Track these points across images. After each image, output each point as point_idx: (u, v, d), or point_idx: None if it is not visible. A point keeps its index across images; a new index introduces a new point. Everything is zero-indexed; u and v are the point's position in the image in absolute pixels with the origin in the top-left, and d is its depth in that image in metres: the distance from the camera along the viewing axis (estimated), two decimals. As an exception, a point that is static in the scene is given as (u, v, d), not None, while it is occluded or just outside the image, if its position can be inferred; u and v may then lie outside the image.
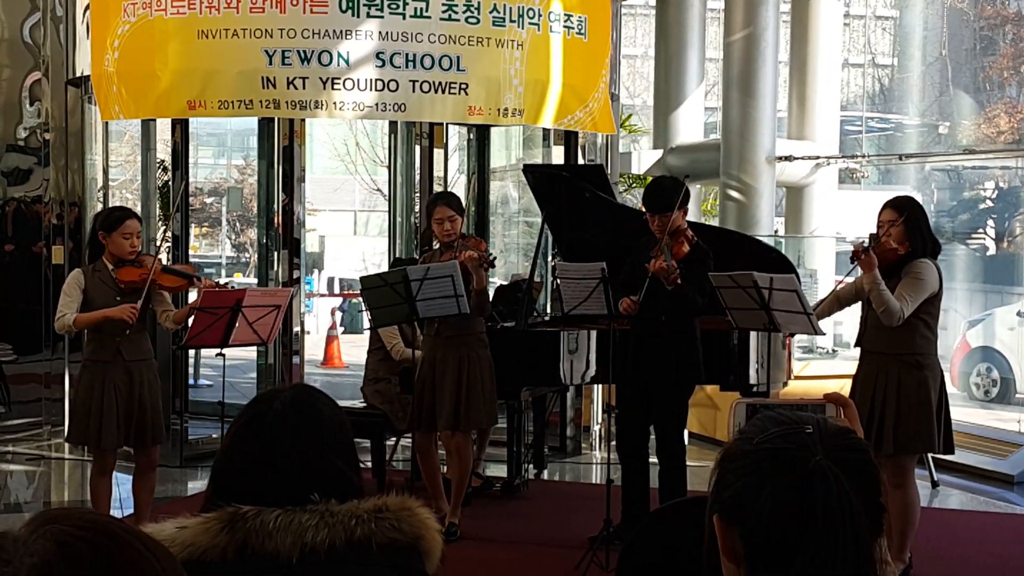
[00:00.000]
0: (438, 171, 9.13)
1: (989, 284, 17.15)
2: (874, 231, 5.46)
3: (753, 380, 6.47)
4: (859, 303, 5.57)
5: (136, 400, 5.52)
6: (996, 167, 21.59)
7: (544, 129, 8.87)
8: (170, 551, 1.01)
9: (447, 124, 8.98)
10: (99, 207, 8.83)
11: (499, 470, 7.63)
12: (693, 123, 13.09)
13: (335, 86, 7.41)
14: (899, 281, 5.32)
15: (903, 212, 5.34)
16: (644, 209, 5.83)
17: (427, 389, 6.05)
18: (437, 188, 8.82)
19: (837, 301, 5.60)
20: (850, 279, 5.52)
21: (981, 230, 22.22)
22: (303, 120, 8.04)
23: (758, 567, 1.36)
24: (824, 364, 9.28)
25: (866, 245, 5.24)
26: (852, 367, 5.75)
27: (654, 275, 5.53)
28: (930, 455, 7.67)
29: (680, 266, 5.55)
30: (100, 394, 5.46)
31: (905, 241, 5.33)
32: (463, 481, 6.26)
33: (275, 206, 8.14)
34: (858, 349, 5.64)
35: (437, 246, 6.37)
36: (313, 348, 14.87)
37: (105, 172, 8.95)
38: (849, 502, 1.34)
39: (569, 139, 8.78)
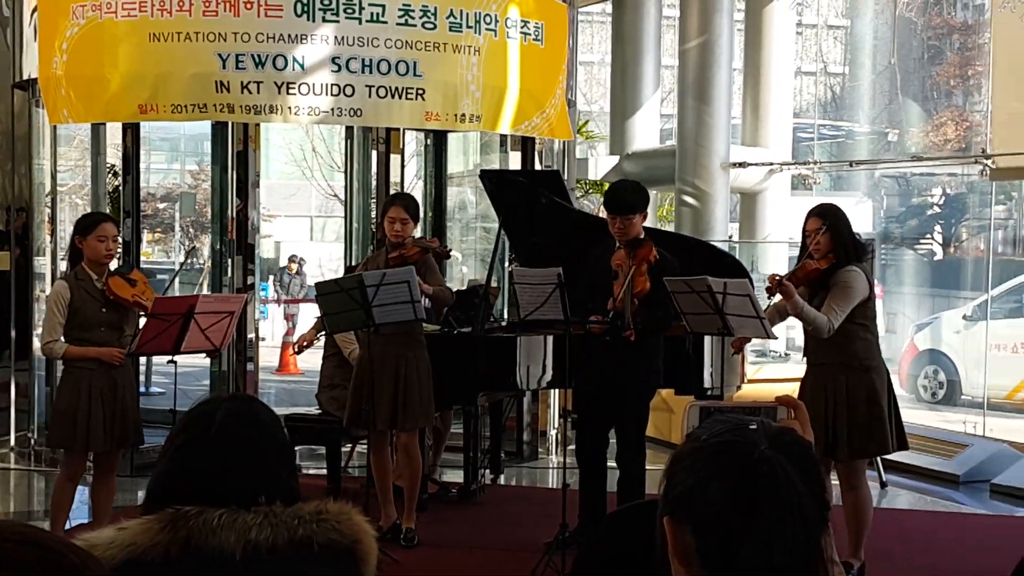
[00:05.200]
0: (395, 177, 9.09)
1: (936, 288, 17.36)
2: (800, 237, 5.55)
3: (708, 384, 6.50)
4: None
5: (120, 403, 5.57)
6: (943, 174, 21.87)
7: (501, 135, 8.85)
8: (101, 561, 1.01)
9: (404, 129, 8.94)
10: (47, 212, 8.71)
11: (456, 475, 7.59)
12: (649, 129, 13.14)
13: (290, 90, 7.36)
14: (828, 292, 5.38)
15: (827, 220, 5.41)
16: (605, 211, 5.84)
17: (365, 387, 6.02)
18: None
19: (776, 313, 5.65)
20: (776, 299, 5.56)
21: (929, 235, 22.50)
22: (258, 125, 7.97)
23: (710, 561, 1.37)
24: (777, 368, 9.34)
25: (780, 277, 5.31)
26: (803, 370, 5.79)
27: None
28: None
29: (641, 307, 5.60)
30: (87, 398, 5.49)
31: (829, 252, 5.39)
32: (415, 481, 6.24)
33: (229, 212, 8.06)
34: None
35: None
36: (268, 355, 14.78)
37: (53, 177, 8.82)
38: (795, 490, 1.36)
39: (526, 145, 8.78)
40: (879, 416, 5.39)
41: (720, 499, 1.36)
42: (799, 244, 5.63)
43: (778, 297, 5.50)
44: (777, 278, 5.32)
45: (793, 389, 6.78)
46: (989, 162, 9.31)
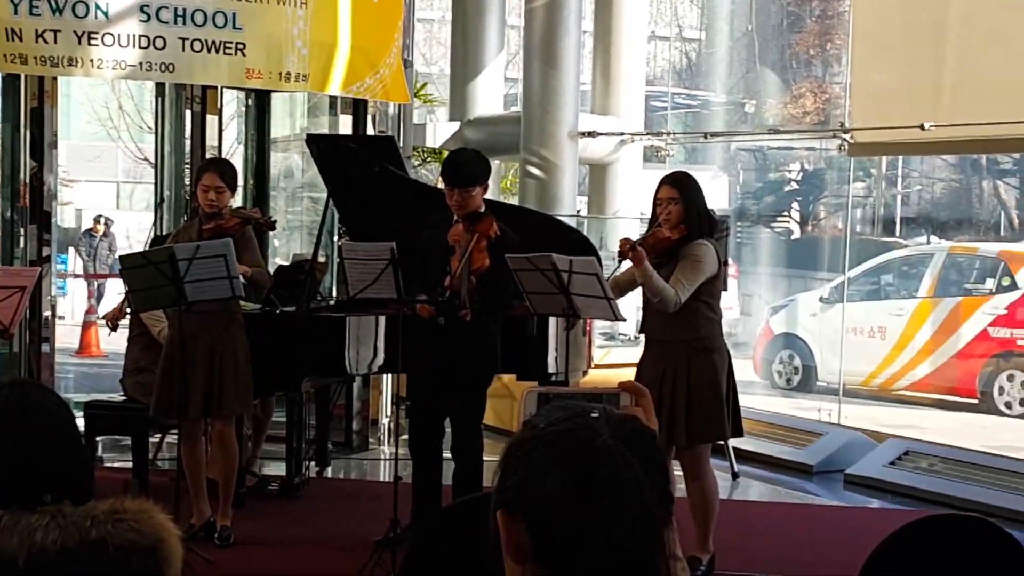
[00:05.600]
0: (212, 139, 8.96)
1: (793, 269, 17.86)
2: (651, 208, 5.64)
3: (552, 369, 6.58)
4: (640, 288, 5.68)
5: None
6: (801, 148, 22.48)
7: (331, 96, 8.78)
8: None
9: (222, 88, 8.79)
10: None
11: (277, 468, 7.54)
12: (493, 94, 13.16)
13: (92, 41, 7.13)
14: (676, 264, 5.49)
15: (681, 190, 5.53)
16: (443, 182, 5.85)
17: (175, 371, 5.91)
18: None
19: (617, 287, 5.74)
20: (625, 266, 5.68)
21: (786, 213, 23.10)
22: (55, 78, 7.74)
23: (545, 557, 1.38)
24: (626, 352, 9.47)
25: (633, 241, 5.39)
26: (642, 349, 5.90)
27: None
28: (731, 445, 7.97)
29: (479, 284, 5.62)
30: None
31: (680, 224, 5.50)
32: (231, 475, 6.17)
33: (22, 175, 7.81)
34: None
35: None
36: (67, 335, 14.34)
37: None
38: (637, 481, 1.39)
39: (358, 108, 8.75)
40: (718, 401, 5.54)
41: (557, 491, 1.38)
42: (650, 217, 5.73)
43: (625, 265, 5.60)
44: (629, 242, 5.38)
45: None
46: (848, 136, 9.62)
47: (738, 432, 5.76)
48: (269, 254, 9.56)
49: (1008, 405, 11.89)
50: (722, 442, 7.24)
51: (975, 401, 12.18)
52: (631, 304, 7.70)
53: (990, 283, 12.62)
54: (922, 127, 8.59)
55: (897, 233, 21.35)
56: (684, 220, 5.51)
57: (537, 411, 1.61)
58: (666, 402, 5.46)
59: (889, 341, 12.66)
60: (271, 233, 7.75)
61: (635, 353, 9.41)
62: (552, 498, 1.38)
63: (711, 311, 5.60)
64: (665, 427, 5.41)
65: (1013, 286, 12.16)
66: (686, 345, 5.53)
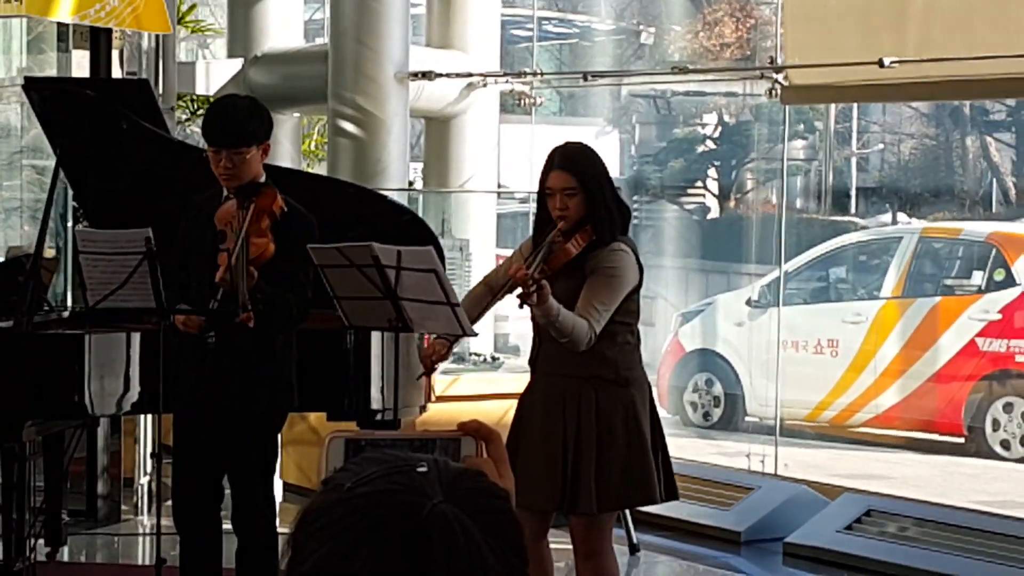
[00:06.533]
0: None
1: (710, 260, 17.94)
2: (541, 200, 5.61)
3: (377, 404, 6.59)
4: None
5: None
6: (719, 93, 22.70)
7: (59, 25, 8.70)
8: None
9: None
10: None
11: (-11, 551, 7.43)
12: (289, 20, 13.11)
13: None
14: (580, 280, 5.46)
15: (582, 177, 5.50)
16: (206, 143, 5.85)
17: None
18: None
19: (490, 292, 5.72)
20: (507, 252, 5.67)
21: (700, 183, 23.29)
22: None
23: None
24: (481, 379, 9.49)
25: (533, 276, 5.21)
26: (519, 382, 5.91)
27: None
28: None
29: (261, 282, 5.63)
30: None
31: (586, 225, 5.49)
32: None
33: None
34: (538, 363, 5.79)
35: None
36: None
37: None
38: (481, 563, 1.40)
39: (99, 40, 8.67)
40: (641, 450, 5.54)
41: (371, 574, 1.39)
42: (513, 195, 5.75)
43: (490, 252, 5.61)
44: (531, 277, 5.21)
45: (506, 409, 6.95)
46: (781, 77, 9.69)
47: (671, 493, 5.75)
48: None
49: (1005, 445, 11.94)
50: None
51: (960, 440, 12.33)
52: (487, 314, 7.72)
53: (978, 277, 12.66)
54: (881, 64, 8.67)
55: (852, 210, 21.66)
56: (589, 216, 5.49)
57: (343, 464, 1.61)
58: (570, 455, 5.46)
59: (843, 359, 12.71)
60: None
61: (493, 381, 9.46)
62: None
63: (630, 333, 5.63)
64: (569, 490, 5.43)
65: (1009, 281, 12.23)
66: (595, 379, 5.53)
